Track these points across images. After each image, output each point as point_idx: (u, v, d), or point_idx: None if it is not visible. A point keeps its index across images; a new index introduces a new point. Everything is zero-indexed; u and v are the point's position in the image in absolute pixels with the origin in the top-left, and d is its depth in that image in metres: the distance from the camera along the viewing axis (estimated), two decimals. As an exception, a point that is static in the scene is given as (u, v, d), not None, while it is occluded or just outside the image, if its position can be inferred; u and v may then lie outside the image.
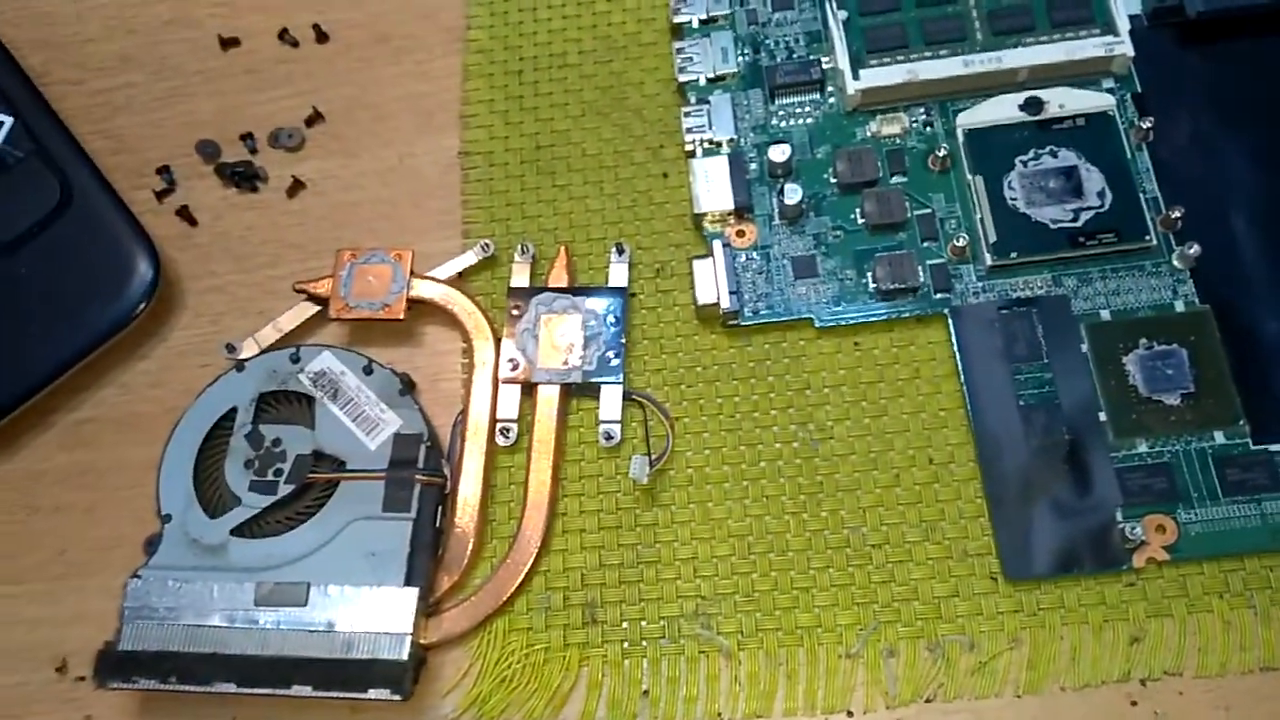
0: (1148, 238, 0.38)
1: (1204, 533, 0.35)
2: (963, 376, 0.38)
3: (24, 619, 0.38)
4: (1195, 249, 0.38)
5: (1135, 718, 0.33)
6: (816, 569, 0.36)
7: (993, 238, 0.39)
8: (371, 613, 0.35)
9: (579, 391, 0.40)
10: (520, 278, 0.41)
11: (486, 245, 0.42)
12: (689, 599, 0.36)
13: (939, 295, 0.39)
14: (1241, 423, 0.36)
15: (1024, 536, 0.35)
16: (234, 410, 0.39)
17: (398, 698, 0.34)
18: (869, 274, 0.39)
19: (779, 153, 0.41)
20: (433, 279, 0.41)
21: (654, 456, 0.38)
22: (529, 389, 0.39)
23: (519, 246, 0.41)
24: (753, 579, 0.37)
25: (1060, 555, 0.35)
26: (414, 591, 0.36)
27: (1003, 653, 0.35)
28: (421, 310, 0.41)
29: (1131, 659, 0.34)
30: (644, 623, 0.36)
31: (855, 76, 0.41)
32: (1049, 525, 0.35)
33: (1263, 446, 0.36)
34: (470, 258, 0.42)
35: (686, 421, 0.39)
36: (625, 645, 0.36)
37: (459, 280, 0.42)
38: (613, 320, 0.40)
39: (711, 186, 0.41)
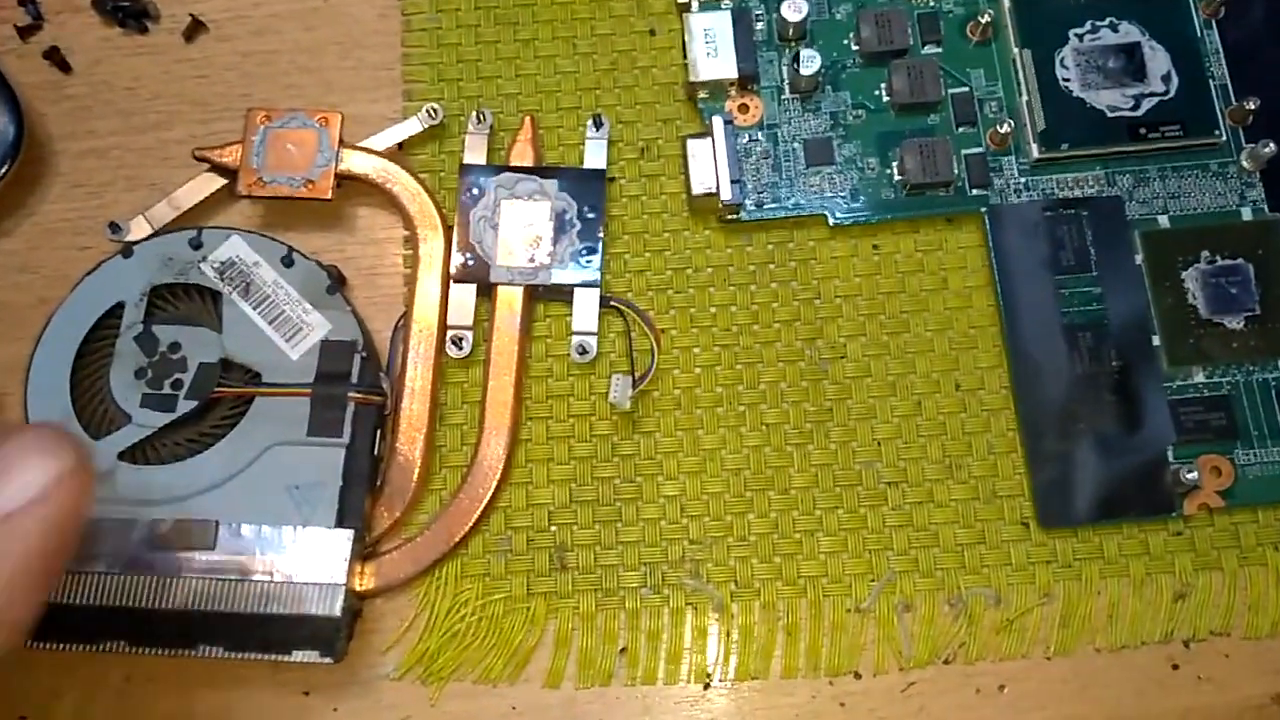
0: (1217, 132, 0.32)
1: (1263, 475, 0.29)
2: (999, 288, 0.31)
3: None
4: (1270, 148, 0.31)
5: (1176, 683, 0.29)
6: (823, 510, 0.30)
7: (1041, 125, 0.32)
8: (296, 558, 0.28)
9: (546, 295, 0.32)
10: (475, 153, 0.32)
11: (433, 110, 0.33)
12: (675, 543, 0.30)
13: (975, 191, 0.32)
14: (1311, 350, 0.30)
15: (1062, 477, 0.30)
16: (120, 305, 0.30)
17: (329, 659, 0.27)
18: (894, 163, 0.32)
19: (793, 9, 0.32)
20: (367, 150, 0.32)
21: (636, 375, 0.31)
22: (486, 290, 0.31)
23: (474, 114, 0.33)
24: (749, 520, 0.30)
25: (1102, 499, 0.29)
26: (347, 533, 0.28)
27: (1033, 609, 0.29)
28: (353, 189, 0.32)
29: (1175, 617, 0.29)
30: (622, 569, 0.30)
31: (888, -80, 0.33)
32: (1091, 465, 0.30)
33: (1333, 380, 0.30)
34: (413, 125, 0.33)
35: (674, 334, 0.32)
36: (600, 595, 0.30)
37: (399, 153, 0.33)
38: (588, 209, 0.32)
39: (711, 49, 0.32)
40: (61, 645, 0.27)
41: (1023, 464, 0.30)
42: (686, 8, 0.33)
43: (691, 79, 0.32)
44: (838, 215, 0.32)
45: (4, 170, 0.32)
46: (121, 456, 0.29)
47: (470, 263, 0.31)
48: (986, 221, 0.31)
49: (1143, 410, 0.30)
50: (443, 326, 0.31)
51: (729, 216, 0.32)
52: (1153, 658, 0.29)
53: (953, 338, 0.31)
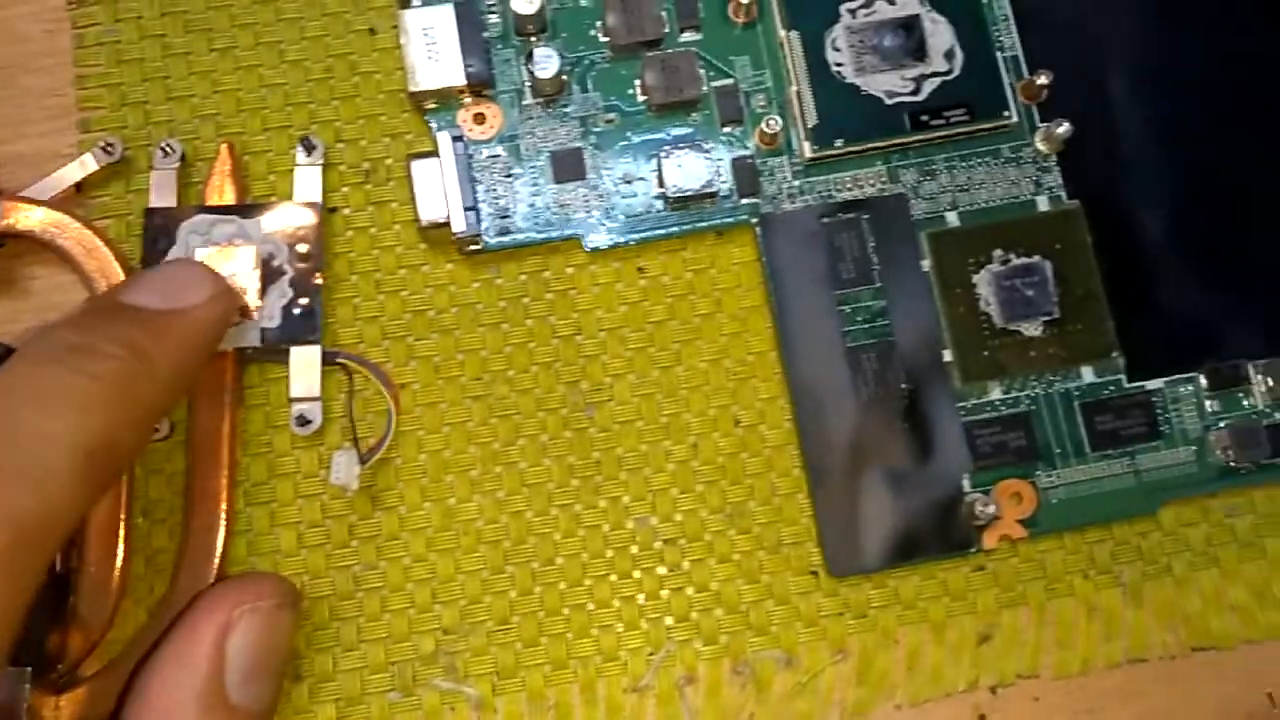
0: (1007, 113, 0.28)
1: (1067, 498, 0.26)
2: (774, 309, 0.27)
3: None
4: (1065, 128, 0.27)
5: (982, 734, 0.26)
6: (593, 579, 0.26)
7: (812, 119, 0.28)
8: (-42, 710, 0.24)
9: (259, 356, 0.27)
10: (163, 193, 0.27)
11: (109, 146, 0.27)
12: (426, 634, 0.26)
13: (745, 200, 0.28)
14: (1115, 355, 0.27)
15: (851, 519, 0.26)
16: None
17: (7, 823, 0.23)
18: (654, 172, 0.28)
19: (527, 1, 0.27)
20: (29, 201, 0.27)
21: (372, 445, 0.26)
22: (186, 357, 0.27)
23: (160, 146, 0.27)
24: (511, 599, 0.26)
25: (896, 540, 0.26)
26: (23, 673, 0.24)
27: (826, 668, 0.26)
28: (21, 248, 0.27)
29: (980, 663, 0.26)
30: (366, 672, 0.25)
31: (627, -114, 0.28)
32: (882, 503, 0.26)
33: (1139, 384, 0.27)
34: (86, 165, 0.27)
35: (416, 389, 0.27)
36: (341, 705, 0.25)
37: (75, 198, 0.27)
38: (302, 251, 0.27)
39: (433, 51, 0.27)
40: None
41: (809, 506, 0.27)
42: (405, 3, 0.28)
43: (411, 89, 0.27)
44: (594, 238, 0.27)
45: None
46: None
47: (163, 327, 0.26)
48: (759, 233, 0.28)
49: (935, 437, 0.26)
50: (135, 406, 0.26)
51: (470, 248, 0.27)
52: (958, 710, 0.26)
53: (730, 368, 0.27)
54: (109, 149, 0.27)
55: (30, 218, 0.26)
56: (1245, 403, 0.27)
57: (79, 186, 0.27)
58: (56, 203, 0.27)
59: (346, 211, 0.28)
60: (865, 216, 0.27)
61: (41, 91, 0.28)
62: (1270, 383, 0.27)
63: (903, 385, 0.27)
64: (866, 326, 0.27)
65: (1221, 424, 0.27)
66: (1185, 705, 0.26)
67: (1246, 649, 0.26)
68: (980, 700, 0.26)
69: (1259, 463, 0.26)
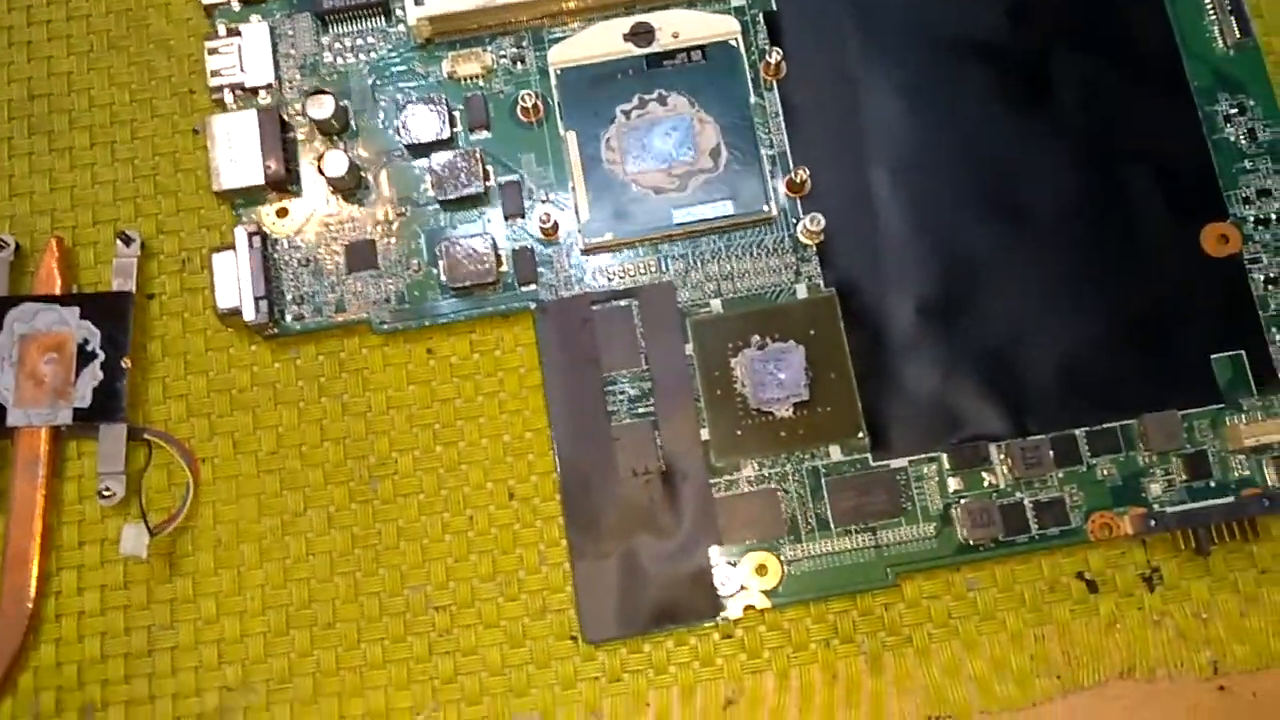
0: (766, 207, 0.30)
1: (811, 570, 0.28)
2: (546, 387, 0.29)
3: None
4: (820, 221, 0.29)
5: (725, 794, 0.28)
6: (368, 643, 0.28)
7: (586, 214, 0.30)
8: None
9: (76, 433, 0.29)
10: (-7, 283, 0.30)
11: (-55, 240, 0.30)
12: (211, 692, 0.28)
13: (525, 287, 0.30)
14: (861, 435, 0.29)
15: (608, 588, 0.28)
16: None
17: None
18: (442, 260, 0.30)
19: (319, 107, 0.30)
20: None
21: (169, 515, 0.29)
22: (7, 434, 0.29)
23: (-7, 240, 0.30)
24: (291, 659, 0.28)
25: (649, 608, 0.27)
26: None
27: (580, 729, 0.28)
28: None
29: (724, 727, 0.28)
30: (154, 726, 0.28)
31: (417, 0, 0.30)
32: (637, 572, 0.28)
33: (884, 463, 0.28)
34: (-75, 258, 0.30)
35: (217, 463, 0.29)
36: (129, 756, 0.28)
37: (-83, 287, 0.30)
38: (113, 335, 0.29)
39: (236, 153, 0.30)
40: None
41: (571, 576, 0.28)
42: (223, 104, 0.31)
43: (215, 188, 0.29)
44: (383, 321, 0.30)
45: None
46: None
47: (-15, 406, 0.29)
48: (536, 319, 0.29)
49: (688, 511, 0.28)
50: (-43, 478, 0.29)
51: (270, 332, 0.30)
52: (702, 769, 0.28)
53: (509, 443, 0.29)
54: (-53, 243, 0.30)
55: (-127, 306, 0.29)
56: (986, 481, 0.28)
57: (-79, 277, 0.30)
58: (-101, 292, 0.30)
59: (164, 298, 0.30)
60: (635, 303, 0.29)
61: (-106, 188, 0.31)
62: (1010, 463, 0.28)
63: (660, 463, 0.28)
64: (631, 407, 0.29)
65: (962, 501, 0.28)
66: (924, 769, 0.27)
67: (982, 718, 0.28)
68: (724, 762, 0.27)
69: (996, 539, 0.28)
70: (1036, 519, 0.28)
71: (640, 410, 0.29)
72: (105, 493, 0.28)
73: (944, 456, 0.28)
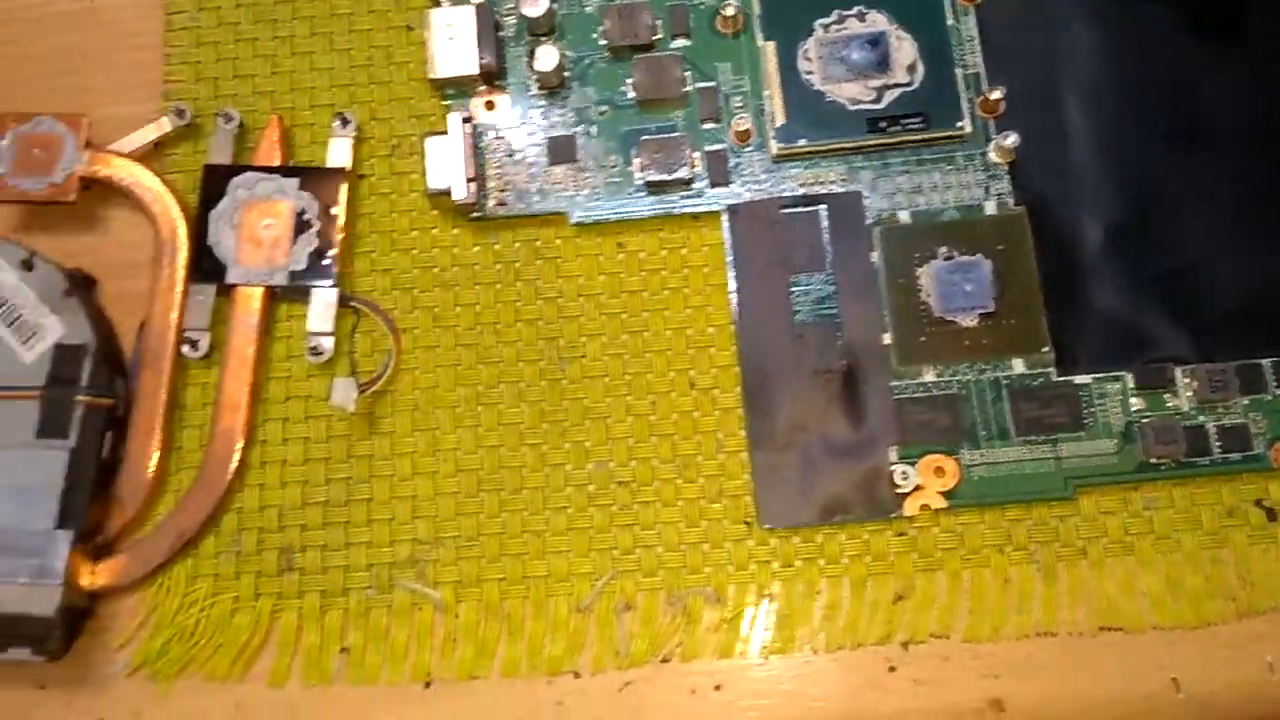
0: (961, 124, 0.30)
1: (989, 476, 0.28)
2: (734, 287, 0.30)
3: None
4: (1013, 139, 0.30)
5: (893, 685, 0.28)
6: (552, 510, 0.30)
7: (780, 120, 0.31)
8: (15, 560, 0.28)
9: (287, 295, 0.31)
10: (220, 153, 0.32)
11: (181, 111, 0.32)
12: (403, 543, 0.29)
13: (716, 189, 0.31)
14: (1046, 350, 0.29)
15: (785, 478, 0.29)
16: None
17: (41, 659, 0.27)
18: (636, 160, 0.31)
19: (533, 5, 0.31)
20: (113, 153, 0.32)
21: (373, 376, 0.30)
22: (226, 291, 0.31)
23: (222, 114, 0.32)
24: (479, 520, 0.30)
25: (824, 501, 0.28)
26: (67, 535, 0.28)
27: (751, 609, 0.29)
28: (103, 192, 0.32)
29: (894, 620, 0.28)
30: (349, 570, 0.29)
31: (632, -91, 0.31)
32: (815, 465, 0.29)
33: (1067, 378, 0.29)
34: (161, 126, 0.32)
35: (417, 333, 0.31)
36: (324, 596, 0.29)
37: (154, 155, 0.32)
38: (328, 208, 0.31)
39: (454, 45, 0.32)
40: None
41: (750, 466, 0.29)
42: (436, 3, 0.32)
43: (431, 75, 0.31)
44: (580, 214, 0.31)
45: None
46: None
47: (209, 264, 0.31)
48: (726, 220, 0.31)
49: (868, 411, 0.29)
50: (180, 328, 0.31)
51: (473, 215, 0.31)
52: (869, 660, 0.28)
53: (691, 337, 0.30)
54: (181, 114, 0.32)
55: (113, 168, 0.32)
56: (1170, 403, 0.29)
57: (156, 144, 0.32)
58: (137, 156, 0.32)
59: (373, 179, 0.32)
60: (823, 210, 0.30)
61: (135, 66, 0.33)
62: (1195, 386, 0.28)
63: (842, 362, 0.29)
64: (815, 308, 0.30)
65: (1145, 419, 0.28)
66: (1089, 680, 0.28)
67: (1154, 634, 0.28)
68: (892, 654, 0.28)
69: (1177, 459, 0.28)
70: (1220, 443, 0.28)
71: (824, 312, 0.30)
72: (315, 351, 0.30)
73: (1128, 376, 0.29)
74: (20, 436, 0.29)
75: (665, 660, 0.28)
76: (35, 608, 0.28)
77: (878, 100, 0.30)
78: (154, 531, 0.30)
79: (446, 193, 0.30)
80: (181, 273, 0.31)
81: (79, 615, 0.29)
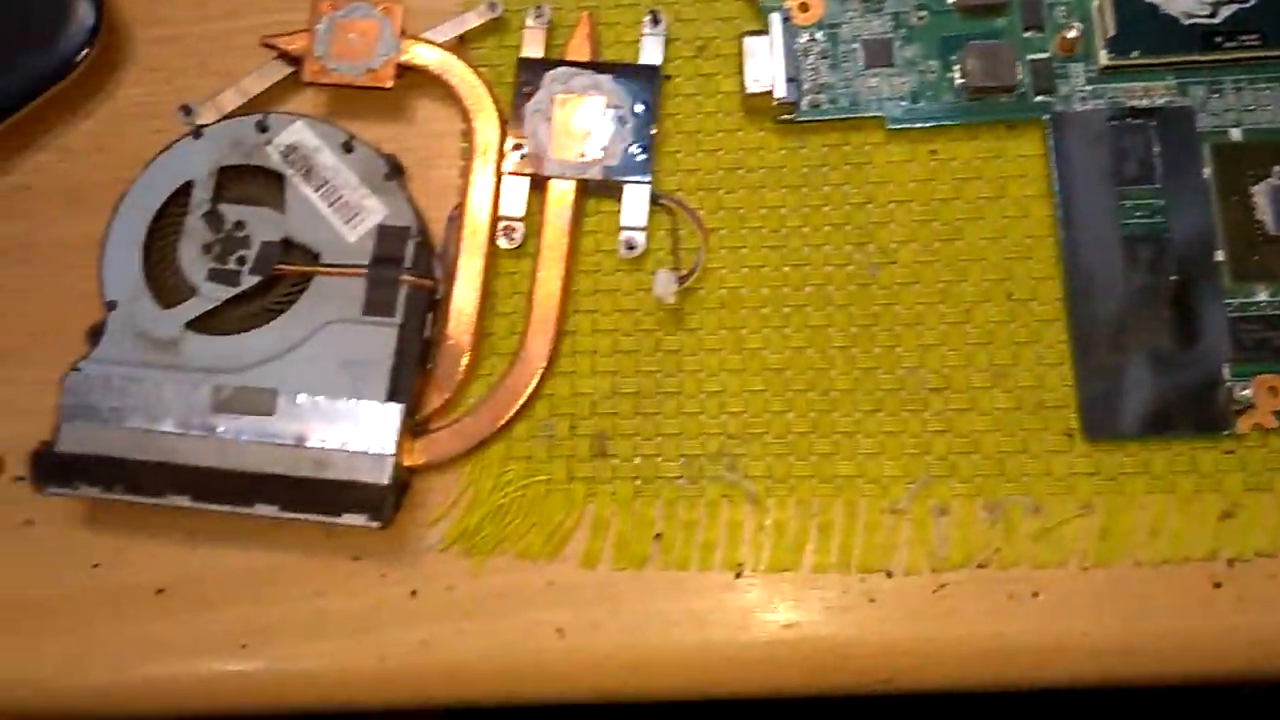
0: (1303, 42, 0.30)
1: (1324, 398, 0.28)
2: (1058, 197, 0.30)
3: (-47, 411, 0.32)
4: (1360, 59, 0.29)
5: (1218, 601, 0.28)
6: (863, 413, 0.30)
7: (1111, 31, 0.30)
8: (348, 429, 0.29)
9: (597, 190, 0.32)
10: (533, 47, 0.32)
11: (493, 4, 0.33)
12: (713, 437, 0.30)
13: (1039, 98, 0.31)
14: (1386, 273, 0.29)
15: (1111, 389, 0.29)
16: (190, 185, 0.31)
17: (375, 524, 0.28)
18: (956, 67, 0.31)
19: (860, -94, 0.31)
20: (428, 41, 0.32)
21: (683, 272, 0.31)
22: (539, 183, 0.31)
23: (533, 9, 0.33)
24: (788, 419, 0.30)
25: (1151, 413, 0.28)
26: (398, 408, 0.29)
27: (1072, 519, 0.29)
28: (413, 80, 0.32)
29: (1220, 537, 0.28)
30: (660, 460, 0.30)
31: None
32: (1142, 378, 0.29)
33: None
34: (472, 19, 0.33)
35: (723, 234, 0.31)
36: (638, 483, 0.30)
37: (460, 46, 0.33)
38: (641, 106, 0.31)
39: (773, -55, 0.32)
40: (129, 500, 0.29)
41: (1071, 376, 0.29)
42: (752, -96, 0.32)
43: (751, -24, 0.31)
44: (896, 118, 0.31)
45: (83, 55, 0.33)
46: (189, 326, 0.30)
47: (524, 156, 0.31)
48: (1050, 129, 0.30)
49: (1200, 326, 0.29)
50: (495, 218, 0.31)
51: (783, 117, 0.31)
52: (1194, 575, 0.28)
53: (1007, 247, 0.30)
54: (492, 7, 0.32)
55: (426, 56, 0.32)
56: None
57: (463, 38, 0.33)
58: (446, 47, 0.32)
59: (678, 80, 0.32)
60: (1152, 124, 0.30)
61: (440, -41, 0.34)
62: None
63: (1173, 276, 0.29)
64: (1144, 221, 0.29)
65: None
66: None
67: None
68: (1217, 570, 0.28)
69: None
70: None
71: (1154, 224, 0.29)
72: (629, 245, 0.31)
73: None
74: (348, 312, 0.30)
75: (981, 566, 0.28)
76: (368, 476, 0.28)
77: (1213, 15, 0.30)
78: (468, 414, 0.30)
79: (765, 93, 0.30)
80: (495, 164, 0.31)
81: (401, 489, 0.30)
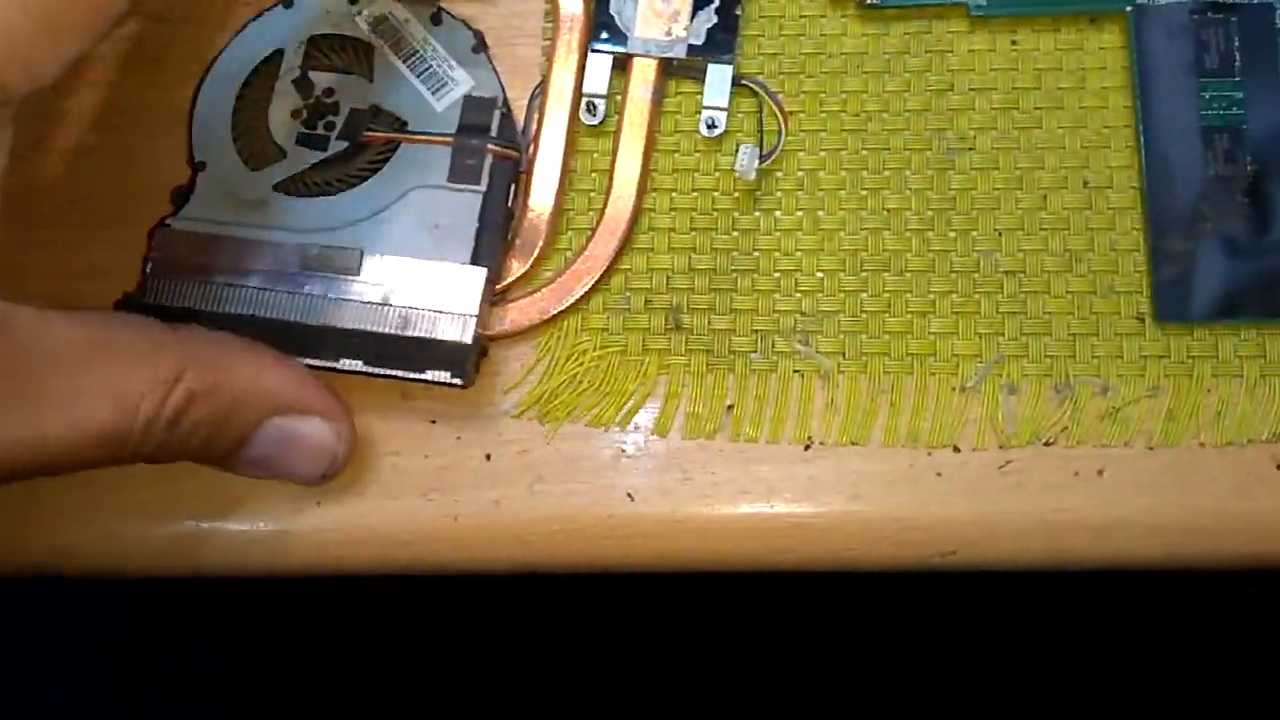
0: (1392, -62, 0.30)
1: (1397, 289, 0.29)
2: (1137, 88, 0.31)
3: (39, 270, 0.33)
4: None
5: (1277, 482, 0.29)
6: (936, 294, 0.31)
7: (1201, -77, 0.31)
8: (433, 289, 0.30)
9: (679, 70, 0.32)
10: (620, -73, 0.33)
11: (583, -116, 0.33)
12: (786, 314, 0.31)
13: (1122, -10, 0.31)
14: None
15: (1184, 274, 0.29)
16: (279, 53, 0.32)
17: (458, 381, 0.29)
18: (1041, -42, 0.32)
19: None
20: (516, -80, 0.33)
21: (764, 151, 0.32)
22: (622, 61, 0.32)
23: (621, -110, 0.33)
24: (861, 299, 0.31)
25: (1223, 298, 0.29)
26: (481, 271, 0.30)
27: (1140, 400, 0.29)
28: (500, -43, 0.34)
29: (1287, 419, 0.29)
30: (734, 335, 0.31)
31: None
32: (1214, 264, 0.29)
33: None
34: (561, -101, 0.34)
35: (802, 118, 0.32)
36: (710, 357, 0.31)
37: (544, -74, 0.34)
38: (727, -13, 0.32)
39: None
40: (217, 354, 0.30)
41: (1144, 262, 0.30)
42: None
43: None
44: (979, 6, 0.31)
45: (175, -73, 0.34)
46: (277, 188, 0.31)
47: (607, 33, 0.32)
48: (1132, 21, 0.31)
49: (1273, 214, 0.29)
50: (577, 94, 0.32)
51: (868, 2, 0.32)
52: (1258, 456, 0.29)
53: (1085, 136, 0.31)
54: (580, -111, 0.33)
55: (514, -65, 0.33)
56: None
57: (548, -80, 0.34)
58: (533, -72, 0.33)
59: (761, -35, 0.33)
60: (1233, 19, 0.30)
61: None
62: None
63: (1250, 166, 0.29)
64: (1223, 112, 0.30)
65: None
66: None
67: None
68: (1279, 452, 0.29)
69: None
70: None
71: (1232, 115, 0.30)
72: (710, 124, 0.31)
73: None
74: (434, 178, 0.31)
75: (1048, 444, 0.29)
76: (451, 334, 0.29)
77: (1304, -92, 0.30)
78: (546, 285, 0.31)
79: (851, -25, 0.31)
80: (580, 41, 0.32)
81: (482, 352, 0.31)
